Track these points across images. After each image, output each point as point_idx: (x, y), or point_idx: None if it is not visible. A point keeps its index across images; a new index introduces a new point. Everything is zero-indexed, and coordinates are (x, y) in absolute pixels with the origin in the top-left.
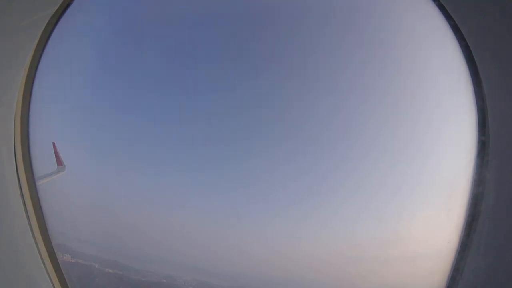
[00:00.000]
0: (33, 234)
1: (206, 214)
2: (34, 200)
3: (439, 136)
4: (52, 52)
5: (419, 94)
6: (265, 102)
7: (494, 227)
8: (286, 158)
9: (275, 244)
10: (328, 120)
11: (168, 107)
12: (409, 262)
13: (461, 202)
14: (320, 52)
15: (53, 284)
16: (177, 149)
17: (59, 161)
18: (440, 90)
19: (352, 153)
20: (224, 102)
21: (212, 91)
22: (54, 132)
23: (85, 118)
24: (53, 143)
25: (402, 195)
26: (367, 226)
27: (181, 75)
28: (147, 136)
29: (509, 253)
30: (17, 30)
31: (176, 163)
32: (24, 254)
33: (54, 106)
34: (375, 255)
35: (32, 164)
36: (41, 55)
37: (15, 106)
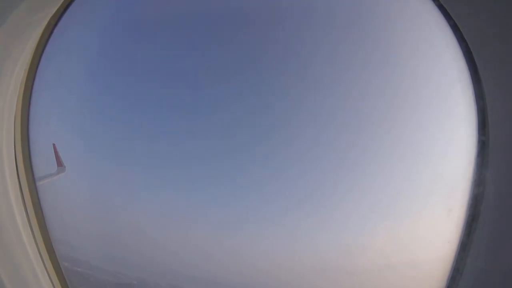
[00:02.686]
0: (33, 234)
1: (188, 219)
2: (34, 200)
3: (439, 136)
4: (52, 52)
5: (419, 94)
6: (265, 102)
7: (494, 227)
8: (273, 158)
9: (260, 248)
10: (327, 120)
11: (171, 108)
12: (409, 262)
13: (461, 202)
14: (318, 52)
15: (53, 284)
16: (178, 150)
17: (59, 162)
18: (440, 90)
19: (351, 153)
20: (228, 104)
21: (216, 91)
22: (54, 132)
23: (85, 118)
24: (53, 144)
25: (401, 195)
26: (366, 226)
27: (184, 74)
28: (149, 136)
29: (509, 253)
30: (17, 30)
31: (175, 164)
32: (24, 254)
33: (54, 106)
34: (374, 255)
35: (32, 164)
36: (41, 55)
37: (15, 106)
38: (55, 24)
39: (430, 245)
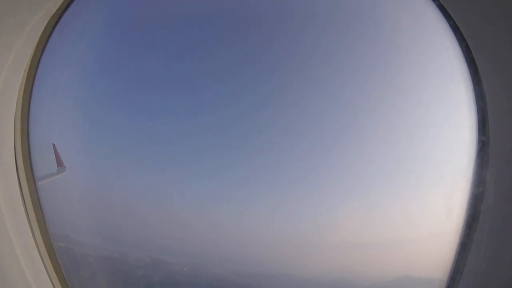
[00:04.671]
0: (33, 234)
1: (171, 197)
2: (34, 200)
3: (439, 136)
4: (52, 52)
5: (419, 94)
6: (265, 101)
7: (494, 227)
8: (283, 157)
9: (247, 225)
10: (328, 119)
11: (169, 107)
12: (409, 262)
13: (461, 202)
14: (319, 52)
15: (53, 284)
16: (178, 149)
17: (59, 162)
18: (440, 90)
19: (351, 153)
20: (227, 102)
21: (214, 91)
22: (54, 132)
23: (85, 118)
24: (53, 145)
25: (402, 195)
26: (366, 226)
27: (182, 75)
28: (148, 136)
29: (509, 253)
30: (17, 30)
31: (176, 163)
32: (24, 254)
33: (54, 106)
34: (375, 256)
35: (32, 164)
36: (41, 55)
37: (15, 106)
38: (55, 24)
39: (430, 245)
